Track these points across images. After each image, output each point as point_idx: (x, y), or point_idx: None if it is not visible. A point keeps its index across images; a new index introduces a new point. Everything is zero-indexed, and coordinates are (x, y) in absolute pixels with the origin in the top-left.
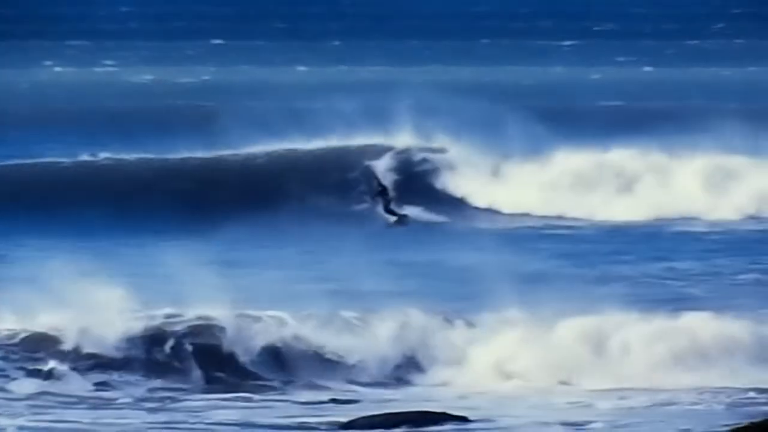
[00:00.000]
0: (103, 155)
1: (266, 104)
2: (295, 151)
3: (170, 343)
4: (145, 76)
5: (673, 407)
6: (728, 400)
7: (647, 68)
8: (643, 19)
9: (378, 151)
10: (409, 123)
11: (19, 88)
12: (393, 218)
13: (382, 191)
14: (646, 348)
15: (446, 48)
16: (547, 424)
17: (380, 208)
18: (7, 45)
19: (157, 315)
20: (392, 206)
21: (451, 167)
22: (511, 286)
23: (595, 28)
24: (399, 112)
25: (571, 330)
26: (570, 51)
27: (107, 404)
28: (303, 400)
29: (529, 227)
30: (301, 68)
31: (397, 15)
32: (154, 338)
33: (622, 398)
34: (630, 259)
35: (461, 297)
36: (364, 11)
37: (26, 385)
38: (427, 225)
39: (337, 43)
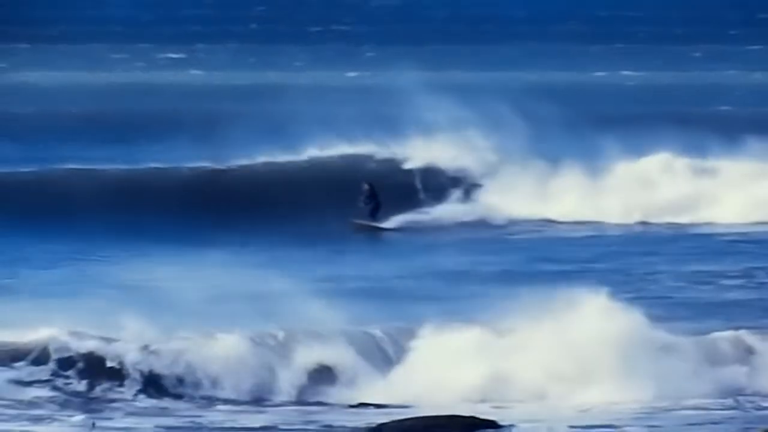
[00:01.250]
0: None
1: (292, 109)
2: (321, 156)
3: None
4: (168, 79)
5: (692, 412)
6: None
7: (673, 72)
8: (672, 23)
9: (401, 157)
10: (436, 129)
11: (34, 91)
12: (369, 224)
13: (373, 196)
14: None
15: (475, 52)
16: (573, 427)
17: (365, 211)
18: (21, 47)
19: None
20: (377, 214)
21: (476, 173)
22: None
23: (626, 31)
24: (423, 118)
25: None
26: (600, 54)
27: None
28: (333, 402)
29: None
30: (331, 73)
31: (423, 20)
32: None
33: (646, 404)
34: (656, 260)
35: (480, 302)
36: (394, 16)
37: None
38: (455, 231)
39: (366, 47)
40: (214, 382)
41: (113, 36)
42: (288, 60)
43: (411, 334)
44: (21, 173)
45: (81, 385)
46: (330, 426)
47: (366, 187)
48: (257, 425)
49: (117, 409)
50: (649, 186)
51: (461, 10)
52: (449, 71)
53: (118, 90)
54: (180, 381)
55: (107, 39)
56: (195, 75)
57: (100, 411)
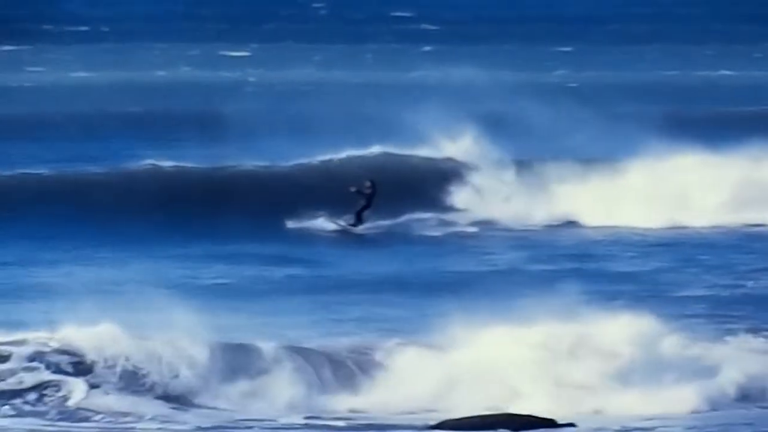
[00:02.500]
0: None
1: (345, 108)
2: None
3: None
4: (230, 78)
5: (733, 412)
6: None
7: (727, 72)
8: (731, 20)
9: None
10: (477, 131)
11: (92, 90)
12: (348, 222)
13: (370, 195)
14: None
15: (526, 53)
16: (628, 429)
17: (354, 208)
18: (74, 47)
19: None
20: (362, 214)
21: (534, 173)
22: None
23: (672, 29)
24: (468, 120)
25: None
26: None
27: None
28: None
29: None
30: (393, 72)
31: (475, 20)
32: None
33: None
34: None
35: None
36: (451, 16)
37: None
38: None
39: (426, 45)
40: (256, 385)
41: (170, 34)
42: (350, 58)
43: (467, 334)
44: (85, 172)
45: (125, 384)
46: (392, 423)
47: (367, 183)
48: (301, 422)
49: (155, 406)
50: (725, 185)
51: (518, 10)
52: (504, 70)
53: (177, 88)
54: (223, 382)
55: (164, 37)
56: (255, 73)
57: (137, 408)
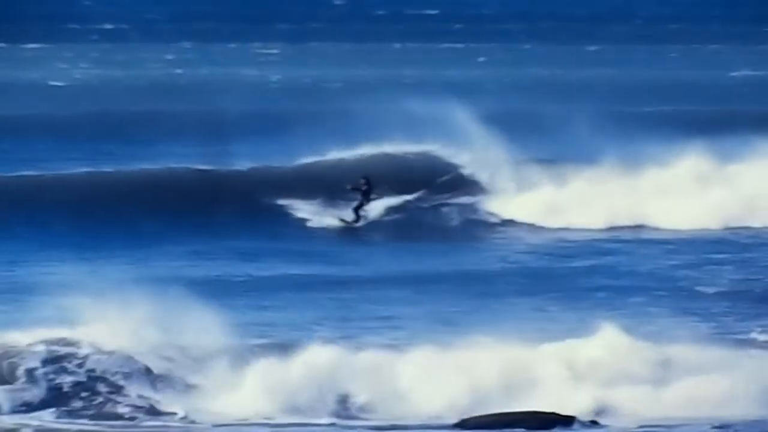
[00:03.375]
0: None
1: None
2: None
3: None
4: (259, 77)
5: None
6: None
7: (747, 71)
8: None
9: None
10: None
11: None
12: (348, 218)
13: (365, 191)
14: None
15: (551, 52)
16: (655, 426)
17: (353, 204)
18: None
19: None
20: (360, 210)
21: (559, 173)
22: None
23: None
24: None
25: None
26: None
27: None
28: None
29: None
30: (416, 71)
31: (504, 17)
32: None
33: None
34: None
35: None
36: (475, 14)
37: None
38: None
39: (451, 39)
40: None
41: (193, 34)
42: (373, 55)
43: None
44: (107, 171)
45: (142, 380)
46: (408, 424)
47: (362, 180)
48: (324, 422)
49: (174, 403)
50: (744, 186)
51: (541, 8)
52: (533, 68)
53: (198, 87)
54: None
55: (185, 37)
56: (278, 72)
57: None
